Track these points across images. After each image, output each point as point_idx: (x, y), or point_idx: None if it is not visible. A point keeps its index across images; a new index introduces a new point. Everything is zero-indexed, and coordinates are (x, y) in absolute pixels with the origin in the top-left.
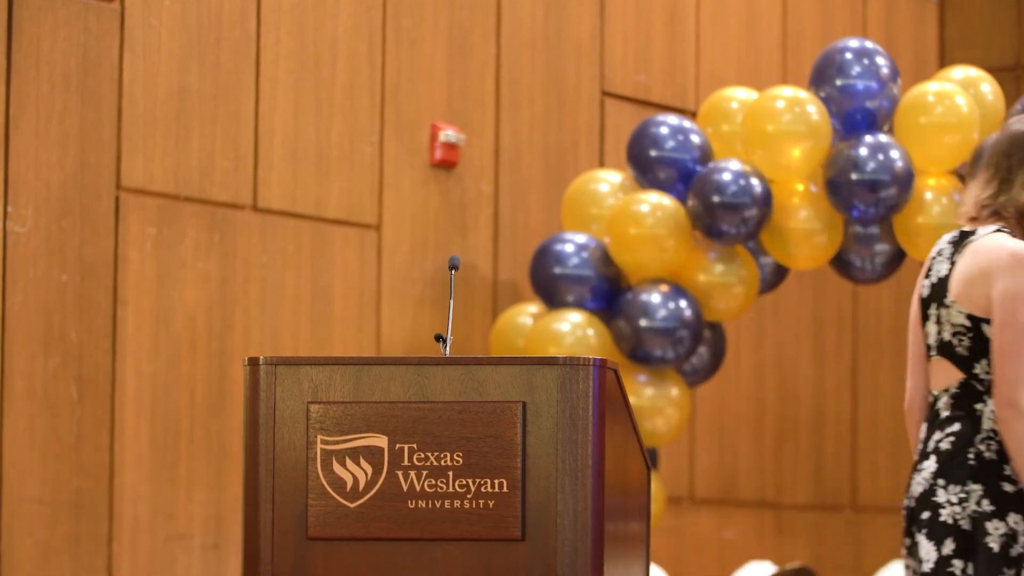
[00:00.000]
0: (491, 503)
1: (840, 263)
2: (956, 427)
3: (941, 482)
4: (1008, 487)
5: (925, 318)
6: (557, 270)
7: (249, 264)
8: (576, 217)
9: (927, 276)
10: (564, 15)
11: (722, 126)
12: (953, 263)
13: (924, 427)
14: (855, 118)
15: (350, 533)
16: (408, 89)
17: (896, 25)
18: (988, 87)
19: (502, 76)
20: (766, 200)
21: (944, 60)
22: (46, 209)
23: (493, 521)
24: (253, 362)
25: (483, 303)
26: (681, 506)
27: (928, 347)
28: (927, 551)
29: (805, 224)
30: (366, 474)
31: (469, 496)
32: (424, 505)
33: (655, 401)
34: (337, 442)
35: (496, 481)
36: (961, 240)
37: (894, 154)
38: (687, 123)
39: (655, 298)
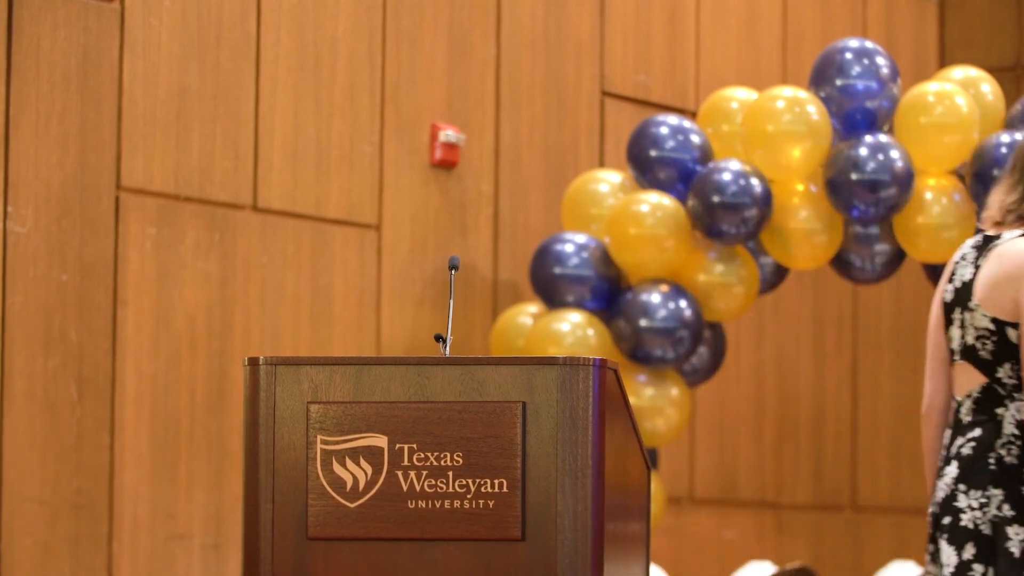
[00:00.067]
0: (491, 503)
1: (840, 263)
2: (977, 432)
3: (962, 487)
4: None
5: (949, 322)
6: (557, 270)
7: (249, 264)
8: (576, 217)
9: (950, 281)
10: (564, 15)
11: (722, 126)
12: (977, 267)
13: (948, 432)
14: (855, 118)
15: (350, 533)
16: (408, 89)
17: (896, 25)
18: (988, 87)
19: (502, 76)
20: (766, 200)
21: (944, 60)
22: (46, 209)
23: (493, 521)
24: (253, 362)
25: (483, 303)
26: (681, 506)
27: (951, 351)
28: (948, 556)
29: (805, 224)
30: (366, 474)
31: (469, 496)
32: (424, 505)
33: (655, 401)
34: (337, 442)
35: (496, 481)
36: (985, 244)
37: (894, 154)
38: (687, 123)
39: (655, 298)
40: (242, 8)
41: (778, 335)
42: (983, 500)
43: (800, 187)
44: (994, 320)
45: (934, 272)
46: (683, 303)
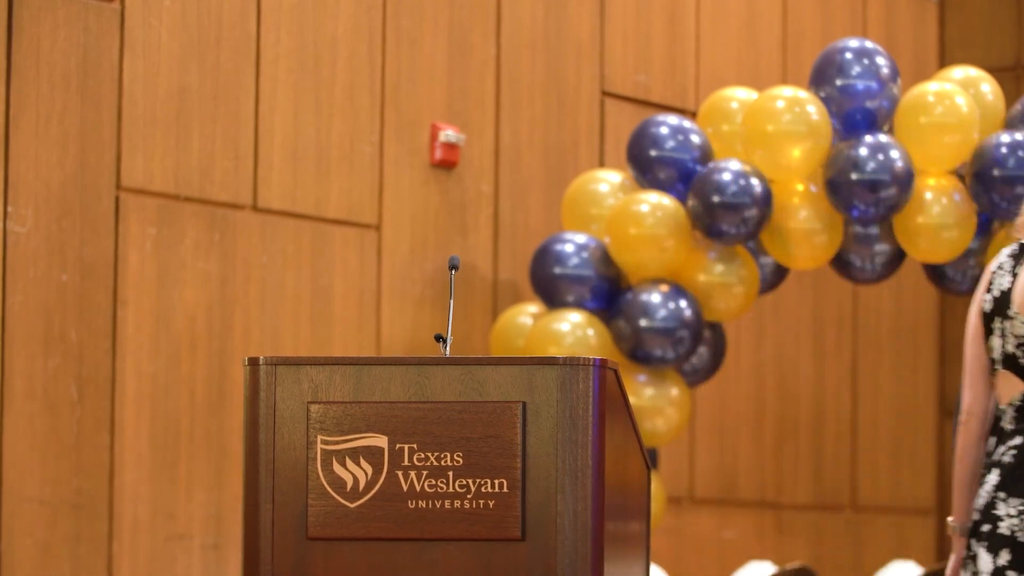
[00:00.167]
0: (491, 503)
1: (840, 263)
2: (1018, 440)
3: (1002, 495)
4: None
5: (989, 332)
6: (557, 270)
7: (249, 264)
8: (576, 217)
9: (988, 290)
10: (564, 15)
11: (722, 126)
12: (1015, 275)
13: (991, 440)
14: (855, 118)
15: (350, 533)
16: (408, 89)
17: (896, 25)
18: (988, 87)
19: (502, 76)
20: (766, 200)
21: (944, 60)
22: (46, 209)
23: (493, 521)
24: (253, 362)
25: (483, 303)
26: (681, 506)
27: (992, 361)
28: (985, 563)
29: (805, 224)
30: (366, 474)
31: (469, 496)
32: (424, 505)
33: (655, 401)
34: (337, 442)
35: (496, 481)
36: (1021, 252)
37: (894, 154)
38: (687, 123)
39: (655, 298)
40: (242, 8)
41: (778, 335)
42: (1021, 508)
43: (800, 187)
44: None
45: (934, 272)
46: (683, 303)
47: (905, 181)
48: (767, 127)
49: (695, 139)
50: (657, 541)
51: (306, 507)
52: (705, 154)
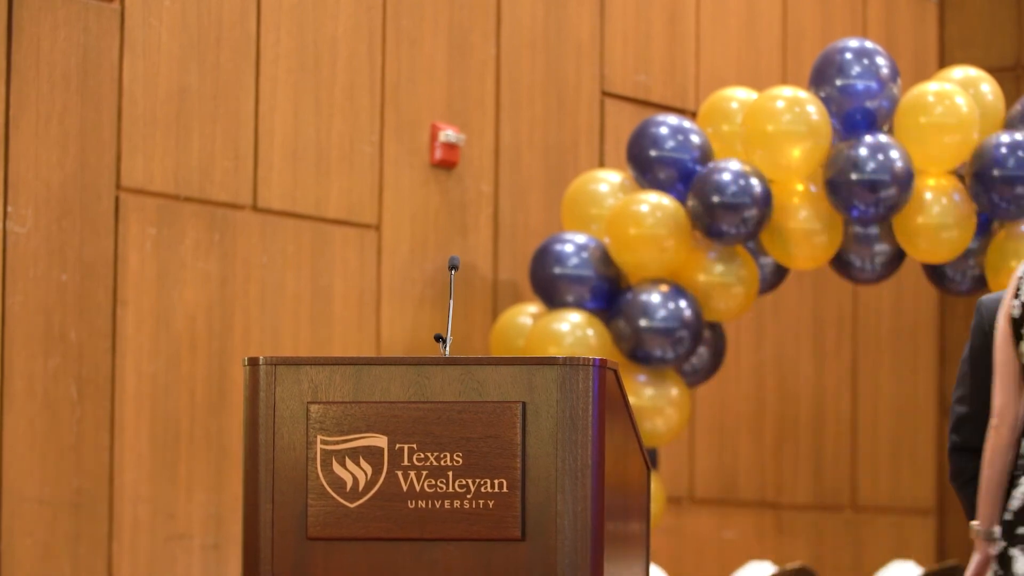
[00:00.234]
0: (491, 503)
1: (840, 263)
2: None
3: None
4: None
5: (1018, 338)
6: (557, 270)
7: (249, 264)
8: (576, 217)
9: (1016, 296)
10: (564, 15)
11: (722, 126)
12: None
13: None
14: (855, 118)
15: (350, 533)
16: (408, 89)
17: (896, 25)
18: (988, 87)
19: (502, 76)
20: (766, 200)
21: (944, 60)
22: (46, 209)
23: (493, 521)
24: (253, 362)
25: (483, 303)
26: (681, 506)
27: (1022, 366)
28: (1020, 566)
29: (805, 224)
30: (366, 474)
31: (469, 496)
32: (424, 505)
33: (655, 401)
34: (337, 442)
35: (496, 481)
36: None
37: (894, 154)
38: (687, 123)
39: (655, 298)
40: (242, 8)
41: (778, 335)
42: None
43: (800, 187)
44: None
45: (934, 272)
46: (683, 303)
47: (905, 181)
48: (767, 127)
49: (695, 139)
50: (657, 541)
51: (306, 507)
52: (705, 154)
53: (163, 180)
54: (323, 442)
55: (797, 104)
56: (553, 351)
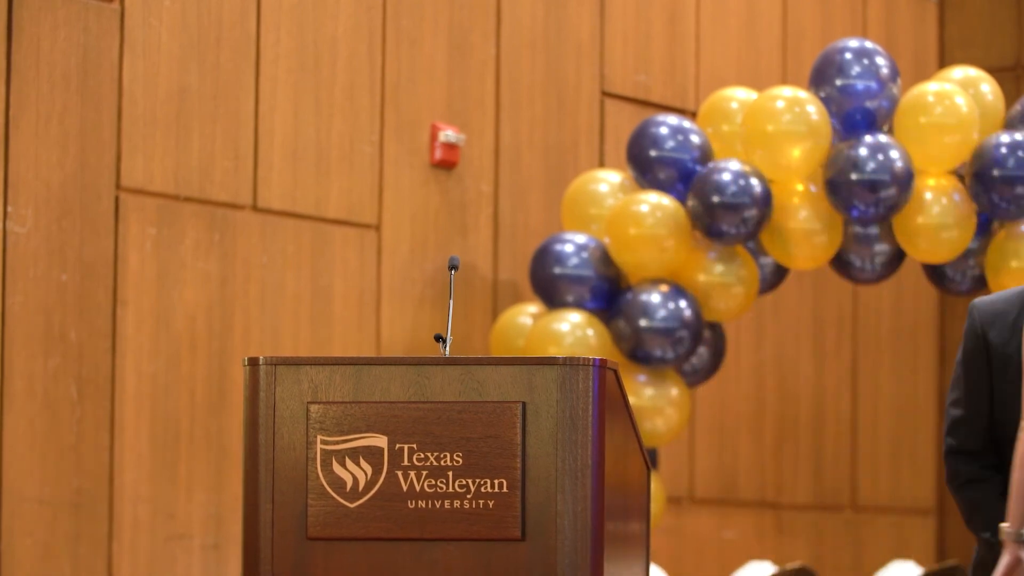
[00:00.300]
0: (491, 503)
1: (840, 263)
2: None
3: None
4: None
5: None
6: (557, 270)
7: (249, 264)
8: (576, 217)
9: None
10: (564, 15)
11: (722, 126)
12: None
13: None
14: (855, 118)
15: (350, 533)
16: (408, 89)
17: (896, 25)
18: (988, 87)
19: (502, 76)
20: (766, 200)
21: (944, 60)
22: (46, 209)
23: (493, 521)
24: (253, 362)
25: (483, 303)
26: (681, 506)
27: None
28: None
29: (805, 224)
30: (366, 474)
31: (469, 496)
32: (424, 505)
33: (655, 401)
34: (337, 442)
35: (496, 481)
36: None
37: (894, 154)
38: (687, 123)
39: (655, 298)
40: (242, 8)
41: (778, 335)
42: None
43: (800, 187)
44: None
45: (934, 272)
46: (683, 303)
47: (905, 181)
48: (767, 127)
49: (695, 139)
50: (657, 541)
51: (306, 507)
52: (705, 154)
53: (163, 180)
54: (323, 442)
55: (797, 104)
56: (553, 351)
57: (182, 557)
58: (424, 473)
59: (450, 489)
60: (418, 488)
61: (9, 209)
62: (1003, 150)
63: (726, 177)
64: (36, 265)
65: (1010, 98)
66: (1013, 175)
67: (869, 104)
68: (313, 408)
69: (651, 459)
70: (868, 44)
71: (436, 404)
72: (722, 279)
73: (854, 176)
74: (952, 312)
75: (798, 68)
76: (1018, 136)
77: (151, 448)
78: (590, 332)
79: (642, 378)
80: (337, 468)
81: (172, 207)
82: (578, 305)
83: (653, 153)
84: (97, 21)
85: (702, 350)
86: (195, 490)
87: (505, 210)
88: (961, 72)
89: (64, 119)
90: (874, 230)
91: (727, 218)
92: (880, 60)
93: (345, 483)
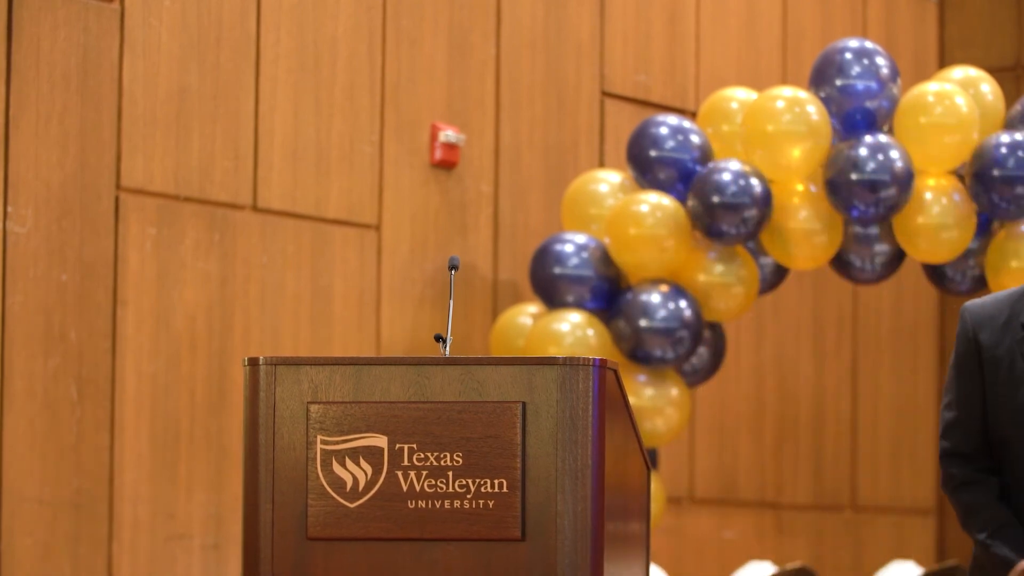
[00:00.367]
0: (491, 503)
1: (840, 263)
2: None
3: None
4: None
5: None
6: (557, 270)
7: (249, 264)
8: (576, 217)
9: None
10: (564, 15)
11: (722, 126)
12: None
13: None
14: (855, 118)
15: (350, 533)
16: (408, 89)
17: (896, 25)
18: (988, 87)
19: (502, 76)
20: (766, 200)
21: (944, 60)
22: (46, 209)
23: (493, 521)
24: (253, 362)
25: (483, 303)
26: (681, 506)
27: None
28: None
29: (805, 224)
30: (366, 474)
31: (469, 496)
32: (424, 505)
33: (655, 401)
34: (337, 442)
35: (496, 481)
36: None
37: (894, 154)
38: (687, 123)
39: (655, 298)
40: (242, 8)
41: (778, 335)
42: None
43: (800, 187)
44: None
45: (934, 272)
46: (683, 303)
47: (905, 181)
48: (767, 127)
49: (695, 139)
50: (657, 541)
51: (306, 507)
52: (705, 154)
53: (163, 180)
54: (323, 442)
55: (797, 104)
56: (553, 351)
57: (182, 557)
58: (424, 473)
59: (450, 489)
60: (418, 488)
61: (9, 209)
62: (1003, 150)
63: (726, 177)
64: (36, 265)
65: (1010, 98)
66: (1013, 175)
67: (869, 104)
68: (313, 408)
69: (651, 459)
70: (868, 44)
71: (436, 404)
72: (722, 279)
73: (854, 176)
74: (952, 312)
75: (798, 68)
76: (1018, 136)
77: (151, 448)
78: (590, 332)
79: (642, 378)
80: (337, 468)
81: (172, 207)
82: (578, 305)
83: (653, 153)
84: (97, 21)
85: (702, 350)
86: (195, 490)
87: (505, 210)
88: (961, 72)
89: (64, 119)
90: (874, 230)
91: (727, 218)
92: (880, 60)
93: (345, 483)
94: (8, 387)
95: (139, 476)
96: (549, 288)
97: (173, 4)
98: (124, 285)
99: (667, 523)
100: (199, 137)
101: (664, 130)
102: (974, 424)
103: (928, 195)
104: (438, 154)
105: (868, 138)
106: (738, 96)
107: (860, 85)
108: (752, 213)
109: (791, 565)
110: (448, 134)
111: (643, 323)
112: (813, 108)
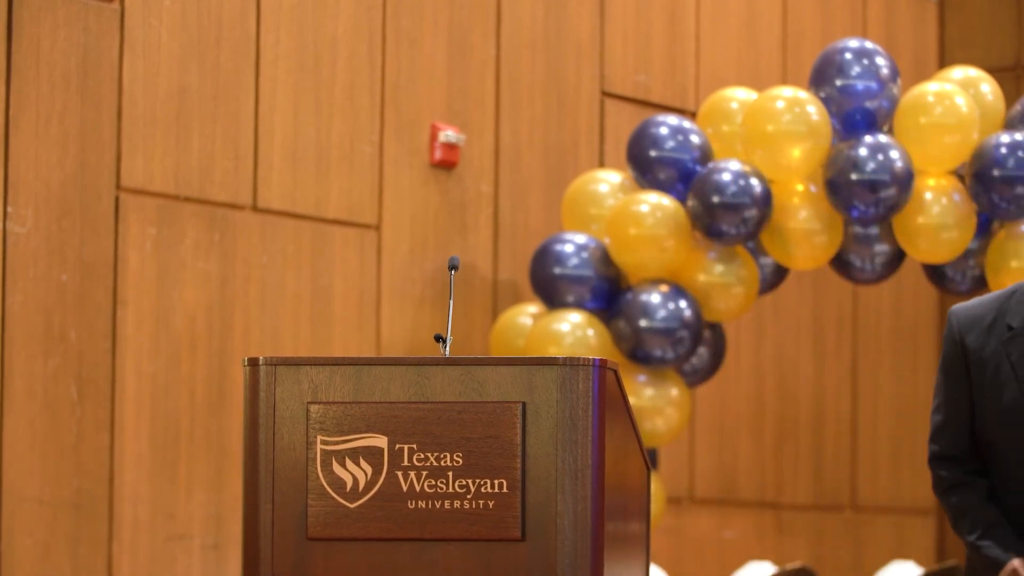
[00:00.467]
0: (491, 503)
1: (840, 263)
2: None
3: None
4: None
5: None
6: (557, 270)
7: (249, 264)
8: (576, 217)
9: None
10: (564, 15)
11: (722, 126)
12: None
13: None
14: (855, 118)
15: (350, 533)
16: (408, 89)
17: (896, 25)
18: (988, 87)
19: (502, 76)
20: (766, 200)
21: (944, 60)
22: (46, 209)
23: (493, 521)
24: (253, 362)
25: (483, 303)
26: (681, 506)
27: None
28: None
29: (805, 224)
30: (366, 474)
31: (469, 496)
32: (424, 505)
33: (655, 401)
34: (337, 442)
35: (496, 481)
36: None
37: (894, 154)
38: (687, 123)
39: (655, 298)
40: (242, 8)
41: (778, 335)
42: None
43: (800, 187)
44: None
45: (934, 272)
46: (683, 303)
47: (905, 181)
48: (767, 127)
49: (695, 139)
50: (657, 541)
51: (306, 507)
52: (705, 154)
53: (163, 180)
54: (323, 442)
55: (797, 104)
56: (553, 351)
57: (182, 557)
58: (424, 473)
59: (450, 489)
60: (418, 488)
61: (9, 209)
62: (1003, 150)
63: (726, 177)
64: (36, 265)
65: (1010, 98)
66: (1013, 175)
67: (869, 104)
68: (313, 408)
69: (651, 459)
70: (868, 44)
71: (436, 404)
72: (722, 279)
73: (854, 176)
74: None
75: (798, 68)
76: (1018, 136)
77: (151, 448)
78: (590, 332)
79: (642, 378)
80: (337, 468)
81: (172, 207)
82: (578, 305)
83: (653, 153)
84: (97, 21)
85: (702, 350)
86: (195, 490)
87: (505, 210)
88: (961, 72)
89: (64, 119)
90: (874, 230)
91: (727, 218)
92: (880, 60)
93: (345, 483)
94: (8, 387)
95: (139, 476)
96: (549, 288)
97: (173, 4)
98: (124, 285)
99: (667, 523)
100: (199, 137)
101: (664, 130)
102: (962, 427)
103: (928, 195)
104: (438, 154)
105: (868, 138)
106: (738, 96)
107: (860, 85)
108: (752, 213)
109: (791, 565)
110: (448, 134)
111: (643, 323)
112: (813, 108)
